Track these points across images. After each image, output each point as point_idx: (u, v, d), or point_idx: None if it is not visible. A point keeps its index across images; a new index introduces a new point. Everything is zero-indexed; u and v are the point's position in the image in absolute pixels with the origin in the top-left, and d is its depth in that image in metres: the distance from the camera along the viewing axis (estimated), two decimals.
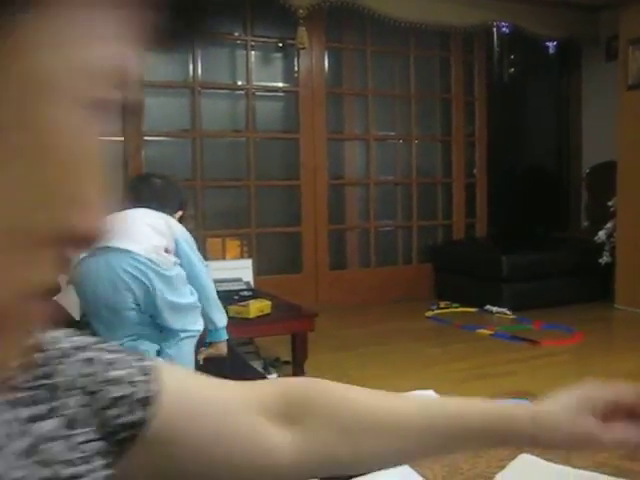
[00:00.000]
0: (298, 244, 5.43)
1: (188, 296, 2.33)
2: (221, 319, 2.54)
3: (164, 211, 2.42)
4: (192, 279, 2.39)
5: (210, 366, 2.18)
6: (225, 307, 3.11)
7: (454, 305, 5.31)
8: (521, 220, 6.48)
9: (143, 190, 2.54)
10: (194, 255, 2.44)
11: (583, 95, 6.35)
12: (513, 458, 2.33)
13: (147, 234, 2.26)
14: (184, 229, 2.46)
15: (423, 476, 2.16)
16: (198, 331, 2.40)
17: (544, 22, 5.58)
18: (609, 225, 5.32)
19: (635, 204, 4.96)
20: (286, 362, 3.52)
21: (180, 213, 2.60)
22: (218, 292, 3.35)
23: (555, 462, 2.32)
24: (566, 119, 6.55)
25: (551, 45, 6.18)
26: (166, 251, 2.29)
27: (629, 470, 2.30)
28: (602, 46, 5.91)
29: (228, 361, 2.50)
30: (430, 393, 2.73)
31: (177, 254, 2.35)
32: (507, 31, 5.66)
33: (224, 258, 5.11)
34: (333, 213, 5.56)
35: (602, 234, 5.35)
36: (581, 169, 6.36)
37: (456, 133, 6.01)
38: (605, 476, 2.18)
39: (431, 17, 5.13)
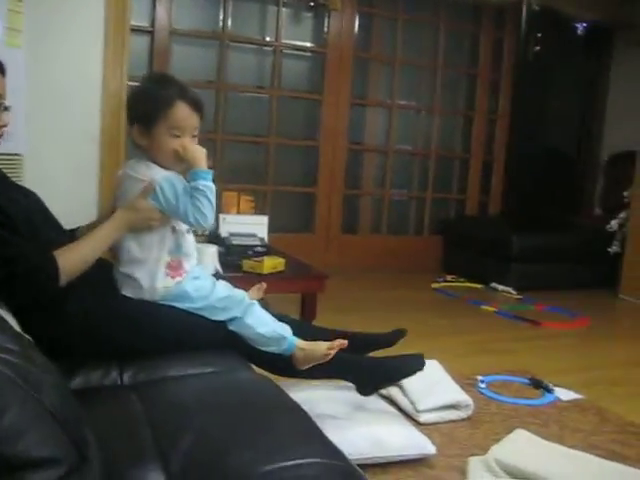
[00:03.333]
0: (312, 205, 5.47)
1: None
2: None
3: None
4: None
5: None
6: (239, 261, 3.18)
7: (461, 279, 5.36)
8: (535, 201, 6.48)
9: None
10: None
11: (611, 80, 6.29)
12: (509, 432, 2.42)
13: None
14: None
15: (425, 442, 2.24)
16: None
17: (577, 3, 5.52)
18: (622, 215, 5.33)
19: None
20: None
21: None
22: (234, 246, 3.42)
23: (548, 440, 2.40)
24: (590, 104, 6.50)
25: (580, 27, 6.12)
26: None
27: (619, 454, 2.38)
28: (637, 31, 5.82)
29: None
30: (433, 362, 2.80)
31: None
32: (537, 9, 5.59)
33: (238, 212, 5.15)
34: (349, 177, 5.58)
35: (614, 223, 5.37)
36: (601, 156, 6.34)
37: (479, 109, 5.99)
38: (596, 457, 2.26)
39: None
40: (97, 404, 1.42)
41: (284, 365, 2.03)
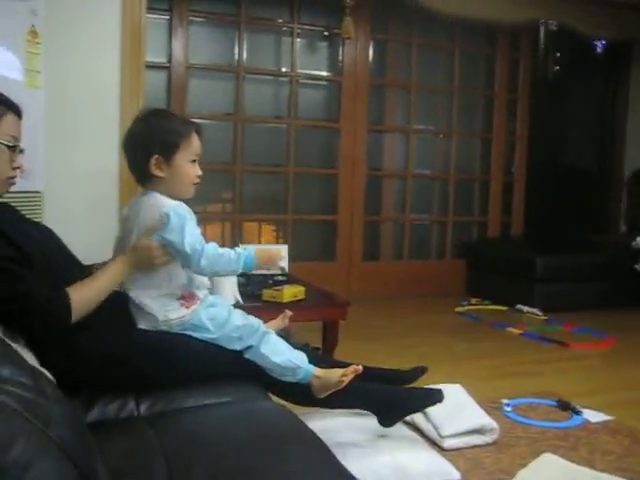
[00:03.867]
0: (333, 233, 5.47)
1: None
2: None
3: None
4: None
5: None
6: (259, 291, 3.18)
7: (485, 302, 5.31)
8: (558, 221, 6.42)
9: None
10: None
11: (630, 98, 6.26)
12: (536, 456, 2.37)
13: None
14: None
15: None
16: None
17: (594, 21, 5.52)
18: None
19: None
20: (315, 348, 3.56)
21: None
22: (254, 275, 3.43)
23: (577, 463, 2.34)
24: (611, 121, 6.46)
25: (599, 45, 6.12)
26: None
27: None
28: None
29: None
30: (457, 387, 2.77)
31: None
32: (555, 29, 5.60)
33: (259, 242, 5.17)
34: (369, 204, 5.58)
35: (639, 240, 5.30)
36: (623, 173, 6.28)
37: (497, 130, 5.98)
38: None
39: (478, 13, 5.10)
40: (113, 436, 1.42)
41: (302, 394, 2.03)
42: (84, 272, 2.05)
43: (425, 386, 2.33)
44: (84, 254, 2.20)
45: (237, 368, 1.96)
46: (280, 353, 1.97)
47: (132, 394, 1.73)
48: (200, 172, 1.99)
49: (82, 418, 1.47)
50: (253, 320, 2.01)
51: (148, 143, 1.96)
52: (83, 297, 1.76)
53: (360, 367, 2.03)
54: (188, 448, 1.32)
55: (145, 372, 1.84)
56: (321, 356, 2.51)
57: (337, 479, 1.19)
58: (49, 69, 3.11)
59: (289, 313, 2.21)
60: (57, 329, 1.73)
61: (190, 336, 1.93)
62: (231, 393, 1.76)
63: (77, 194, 3.23)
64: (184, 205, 1.92)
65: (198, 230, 1.90)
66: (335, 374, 2.00)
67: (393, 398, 2.17)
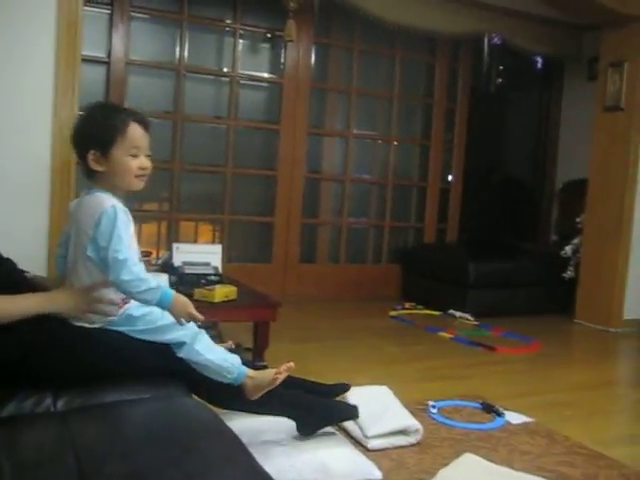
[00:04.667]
0: (270, 234, 5.47)
1: None
2: None
3: None
4: None
5: None
6: (191, 290, 3.16)
7: (419, 307, 5.39)
8: (492, 229, 6.59)
9: None
10: None
11: (562, 112, 6.46)
12: (457, 456, 2.42)
13: None
14: None
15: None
16: None
17: (532, 37, 5.68)
18: (576, 241, 5.43)
19: (601, 222, 5.07)
20: (247, 349, 3.57)
21: None
22: (186, 274, 3.41)
23: (497, 463, 2.41)
24: (544, 134, 6.65)
25: (538, 60, 6.30)
26: None
27: (565, 475, 2.40)
28: (584, 65, 6.02)
29: None
30: (384, 388, 2.81)
31: None
32: (498, 43, 5.75)
33: (195, 242, 5.13)
34: (307, 207, 5.60)
35: (568, 249, 5.46)
36: (555, 184, 6.48)
37: (435, 138, 6.08)
38: (542, 479, 2.27)
39: (420, 22, 5.19)
40: (25, 431, 1.39)
41: (228, 397, 2.04)
42: (12, 270, 2.03)
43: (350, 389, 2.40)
44: (14, 248, 2.17)
45: (165, 366, 1.95)
46: (214, 351, 1.98)
47: (50, 390, 1.70)
48: (145, 163, 1.94)
49: None
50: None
51: (85, 138, 1.94)
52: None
53: (291, 363, 2.07)
54: (101, 443, 1.31)
55: (63, 366, 1.81)
56: (251, 362, 2.52)
57: (249, 476, 1.19)
58: None
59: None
60: None
61: (120, 332, 1.91)
62: (152, 390, 1.75)
63: (5, 190, 3.15)
64: (121, 209, 1.86)
65: (131, 241, 1.85)
66: (268, 373, 2.04)
67: (313, 407, 2.23)
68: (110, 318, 1.91)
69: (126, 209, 1.90)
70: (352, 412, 2.35)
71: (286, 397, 2.16)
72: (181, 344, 1.95)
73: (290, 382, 2.14)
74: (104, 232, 1.81)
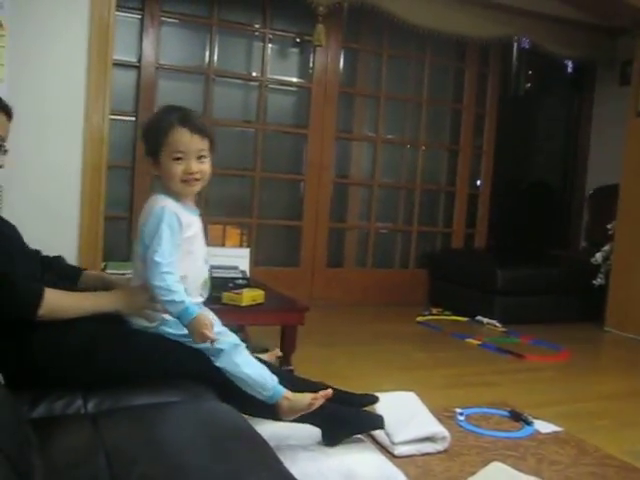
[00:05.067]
0: (297, 239, 5.47)
1: None
2: None
3: None
4: None
5: None
6: (219, 293, 3.17)
7: (446, 313, 5.35)
8: (521, 235, 6.52)
9: None
10: None
11: (594, 117, 6.38)
12: (485, 465, 2.40)
13: None
14: None
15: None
16: None
17: (562, 41, 5.61)
18: (606, 248, 5.35)
19: (633, 229, 5.00)
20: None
21: None
22: (214, 278, 3.42)
23: (525, 473, 2.38)
24: (575, 139, 6.58)
25: (568, 64, 6.23)
26: None
27: None
28: (617, 70, 5.94)
29: None
30: (411, 394, 2.79)
31: None
32: (526, 47, 5.71)
33: (223, 245, 5.16)
34: (335, 211, 5.60)
35: (599, 256, 5.39)
36: (585, 190, 6.40)
37: (464, 143, 6.05)
38: None
39: (449, 26, 5.16)
40: (56, 433, 1.41)
41: (262, 409, 2.02)
42: (45, 268, 2.06)
43: (378, 394, 2.38)
44: (46, 244, 2.21)
45: (199, 372, 1.95)
46: (253, 366, 1.98)
47: (80, 391, 1.71)
48: (192, 168, 1.92)
49: (23, 415, 1.45)
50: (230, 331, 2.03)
51: (143, 143, 1.98)
52: (58, 303, 1.78)
53: (330, 391, 2.05)
54: (131, 445, 1.32)
55: (97, 365, 1.83)
56: (284, 373, 2.50)
57: (277, 478, 1.19)
58: (13, 62, 3.09)
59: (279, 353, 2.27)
60: (20, 314, 1.74)
61: (153, 334, 1.94)
62: (181, 393, 1.76)
63: (38, 190, 3.20)
64: (170, 212, 1.88)
65: (174, 246, 1.86)
66: (305, 398, 2.02)
67: (338, 417, 2.20)
68: (167, 316, 1.92)
69: (178, 214, 1.90)
70: (378, 423, 2.32)
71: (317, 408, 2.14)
72: (219, 351, 1.95)
73: (321, 390, 2.12)
74: (149, 231, 1.85)
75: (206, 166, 1.98)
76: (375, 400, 2.45)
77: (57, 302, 1.78)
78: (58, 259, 2.20)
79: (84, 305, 1.85)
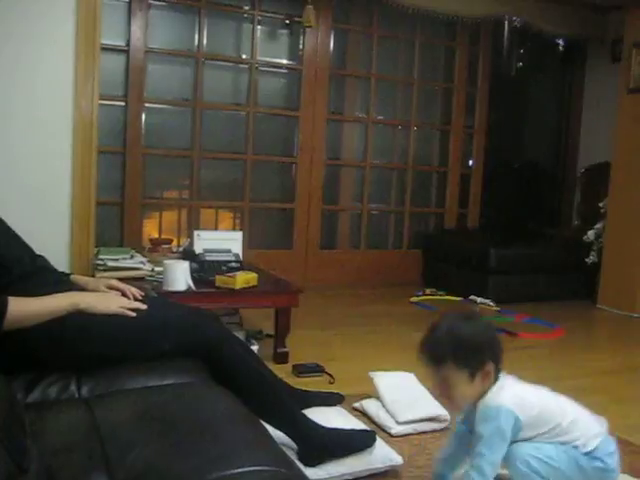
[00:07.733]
0: (290, 221, 5.47)
1: None
2: None
3: None
4: None
5: None
6: (212, 277, 3.18)
7: (440, 293, 5.37)
8: (513, 214, 6.53)
9: None
10: None
11: (585, 95, 6.37)
12: None
13: None
14: None
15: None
16: None
17: (554, 19, 5.58)
18: (598, 225, 5.37)
19: (625, 207, 5.01)
20: (269, 335, 3.59)
21: None
22: (206, 262, 3.42)
23: None
24: (566, 117, 6.58)
25: (560, 43, 6.22)
26: None
27: None
28: (608, 47, 5.93)
29: None
30: (410, 375, 2.80)
31: None
32: (517, 25, 5.68)
33: (216, 229, 5.16)
34: (327, 193, 5.60)
35: (591, 234, 5.40)
36: (577, 168, 6.41)
37: (455, 123, 6.03)
38: None
39: (439, 5, 5.13)
40: (51, 417, 1.41)
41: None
42: (35, 263, 2.05)
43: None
44: (35, 235, 2.19)
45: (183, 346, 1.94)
46: None
47: (74, 376, 1.72)
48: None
49: (17, 399, 1.46)
50: None
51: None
52: (22, 314, 1.74)
53: None
54: (126, 429, 1.33)
55: (85, 343, 1.82)
56: (300, 394, 2.48)
57: (271, 460, 1.20)
58: (0, 45, 3.06)
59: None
60: None
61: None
62: (174, 376, 1.76)
63: (28, 176, 3.18)
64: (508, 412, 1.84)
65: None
66: None
67: (322, 444, 2.07)
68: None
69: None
70: (367, 441, 2.18)
71: (298, 424, 2.05)
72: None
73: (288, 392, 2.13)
74: (488, 420, 1.86)
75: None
76: (341, 400, 2.52)
77: (18, 315, 1.71)
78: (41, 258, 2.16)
79: (42, 312, 1.80)
